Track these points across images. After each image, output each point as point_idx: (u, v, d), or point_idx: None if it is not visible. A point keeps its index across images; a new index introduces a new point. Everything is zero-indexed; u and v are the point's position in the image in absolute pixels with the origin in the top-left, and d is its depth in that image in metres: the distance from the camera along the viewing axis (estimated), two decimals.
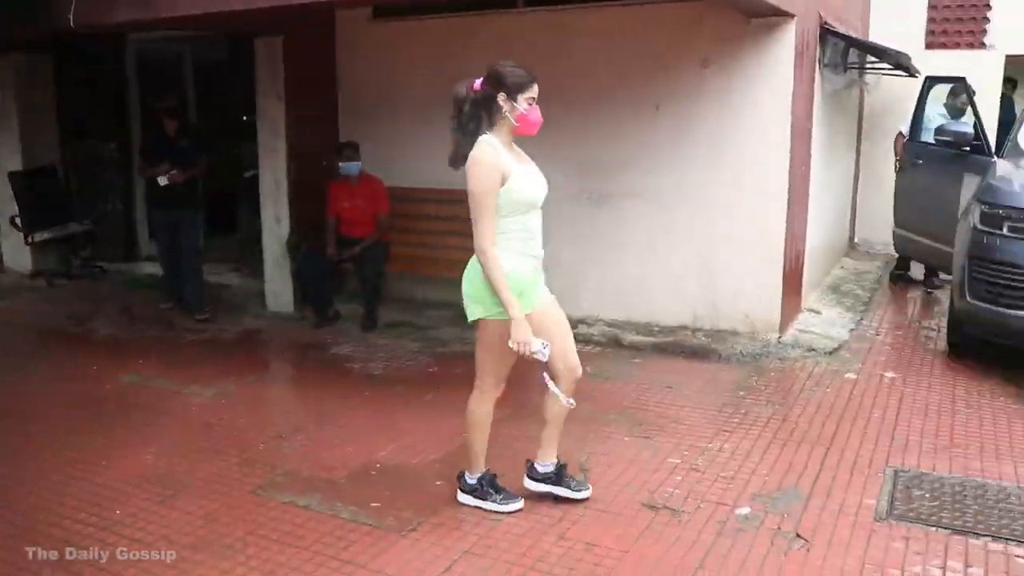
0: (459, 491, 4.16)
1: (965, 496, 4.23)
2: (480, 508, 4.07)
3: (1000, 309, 5.83)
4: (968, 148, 7.32)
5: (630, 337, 6.75)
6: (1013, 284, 5.75)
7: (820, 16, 7.33)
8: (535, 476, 4.15)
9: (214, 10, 5.66)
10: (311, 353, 6.93)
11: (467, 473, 4.13)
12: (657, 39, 6.74)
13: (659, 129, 6.82)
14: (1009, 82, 11.12)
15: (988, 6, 10.58)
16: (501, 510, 4.04)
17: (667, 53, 6.74)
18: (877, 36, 10.26)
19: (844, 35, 8.19)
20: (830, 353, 6.54)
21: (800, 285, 7.29)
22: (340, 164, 7.41)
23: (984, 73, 10.35)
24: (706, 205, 6.74)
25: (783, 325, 6.71)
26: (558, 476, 4.13)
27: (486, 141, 3.70)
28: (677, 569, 3.58)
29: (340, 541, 3.83)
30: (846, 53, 8.85)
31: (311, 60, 7.96)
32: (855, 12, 9.67)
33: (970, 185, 6.83)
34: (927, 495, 4.23)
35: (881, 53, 9.07)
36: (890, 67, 9.50)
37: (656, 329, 6.89)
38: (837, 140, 9.14)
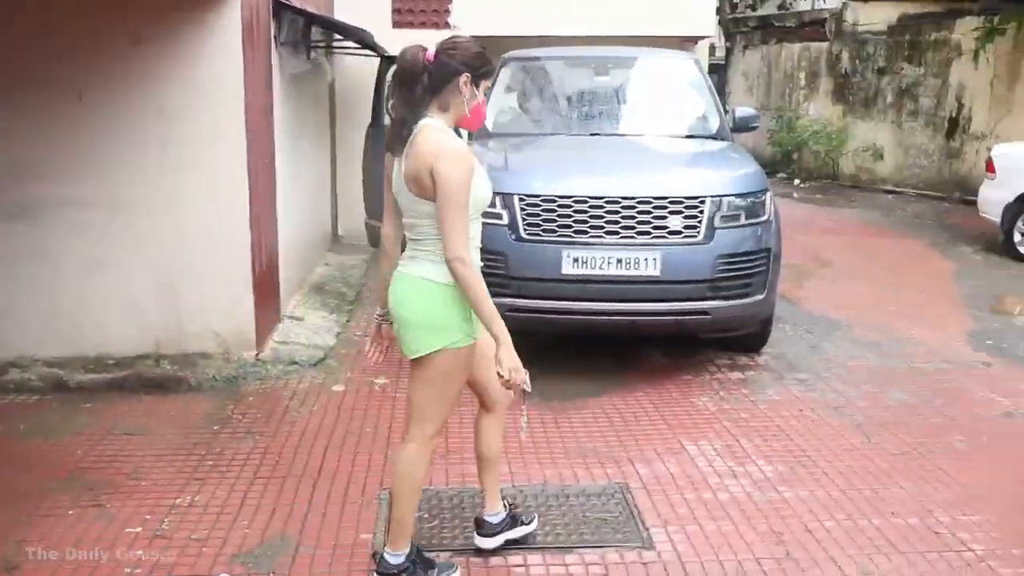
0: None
1: (463, 508, 4.25)
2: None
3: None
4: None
5: (78, 377, 5.96)
6: (491, 271, 5.95)
7: None
8: (488, 531, 3.82)
9: None
10: None
11: (389, 551, 3.48)
12: (75, 13, 5.98)
13: (87, 122, 6.05)
14: None
15: None
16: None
17: (90, 30, 6.02)
18: (344, 14, 10.36)
19: (301, 10, 8.08)
20: (316, 364, 6.37)
21: (276, 290, 7.04)
22: None
23: None
24: (158, 209, 6.17)
25: (260, 339, 6.40)
26: (512, 519, 3.86)
27: (441, 127, 3.26)
28: None
29: None
30: (308, 31, 8.77)
31: None
32: None
33: None
34: (426, 515, 4.17)
35: (342, 30, 9.14)
36: (356, 46, 9.63)
37: (111, 363, 6.16)
38: (308, 126, 9.06)
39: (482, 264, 5.84)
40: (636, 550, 3.90)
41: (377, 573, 3.51)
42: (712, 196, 6.00)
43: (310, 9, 8.47)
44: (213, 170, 6.13)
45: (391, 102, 3.36)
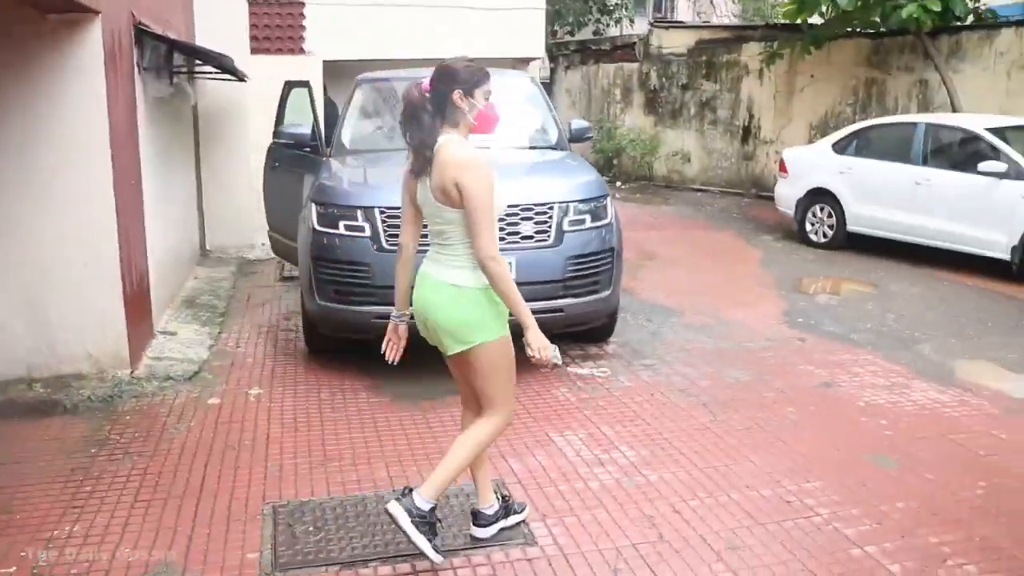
0: (403, 511, 3.28)
1: (348, 518, 3.81)
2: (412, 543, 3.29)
3: (349, 307, 5.61)
4: (308, 149, 7.10)
5: None
6: (357, 281, 5.56)
7: (133, 15, 6.42)
8: (483, 522, 3.60)
9: None
10: None
11: (421, 495, 3.30)
12: None
13: None
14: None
15: (303, 15, 10.65)
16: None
17: None
18: (205, 41, 9.66)
19: (163, 37, 7.39)
20: (191, 378, 5.74)
21: (148, 307, 6.38)
22: None
23: (305, 76, 10.44)
24: (26, 233, 5.44)
25: (134, 356, 5.76)
26: (505, 510, 3.68)
27: (459, 141, 3.23)
28: None
29: None
30: (170, 56, 8.08)
31: None
32: (177, 14, 8.87)
33: (310, 185, 6.58)
34: (311, 528, 3.73)
35: (204, 56, 8.48)
36: (218, 71, 8.98)
37: None
38: (173, 147, 8.35)
39: (348, 275, 5.60)
40: (520, 547, 3.57)
41: (401, 504, 3.29)
42: (560, 203, 5.74)
43: (171, 35, 7.78)
44: (80, 192, 5.46)
45: (407, 134, 3.31)
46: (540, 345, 3.20)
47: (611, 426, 4.85)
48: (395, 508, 3.27)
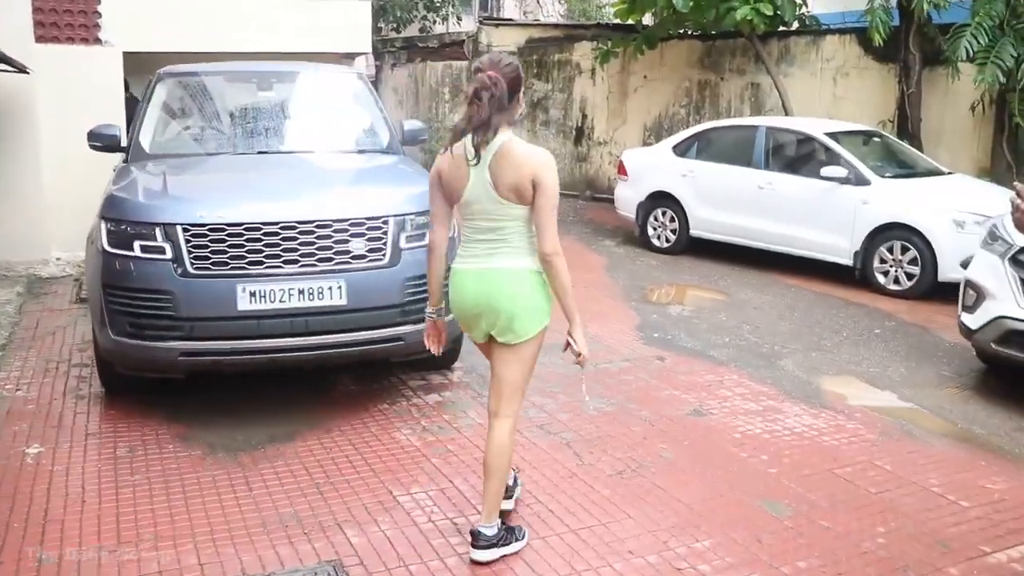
0: (476, 551, 3.39)
1: None
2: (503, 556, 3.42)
3: (149, 343, 4.68)
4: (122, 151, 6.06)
5: None
6: (157, 313, 4.64)
7: None
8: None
9: None
10: None
11: (484, 526, 3.41)
12: None
13: None
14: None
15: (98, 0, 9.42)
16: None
17: None
18: None
19: None
20: None
21: None
22: None
23: (103, 70, 9.28)
24: None
25: None
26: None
27: (521, 140, 3.28)
28: None
29: None
30: None
31: None
32: None
33: None
34: None
35: None
36: None
37: None
38: None
39: (146, 305, 4.69)
40: None
41: (476, 548, 3.39)
42: (395, 216, 5.01)
43: None
44: None
45: (469, 119, 3.21)
46: (585, 343, 3.30)
47: (465, 478, 4.16)
48: (481, 555, 3.38)
